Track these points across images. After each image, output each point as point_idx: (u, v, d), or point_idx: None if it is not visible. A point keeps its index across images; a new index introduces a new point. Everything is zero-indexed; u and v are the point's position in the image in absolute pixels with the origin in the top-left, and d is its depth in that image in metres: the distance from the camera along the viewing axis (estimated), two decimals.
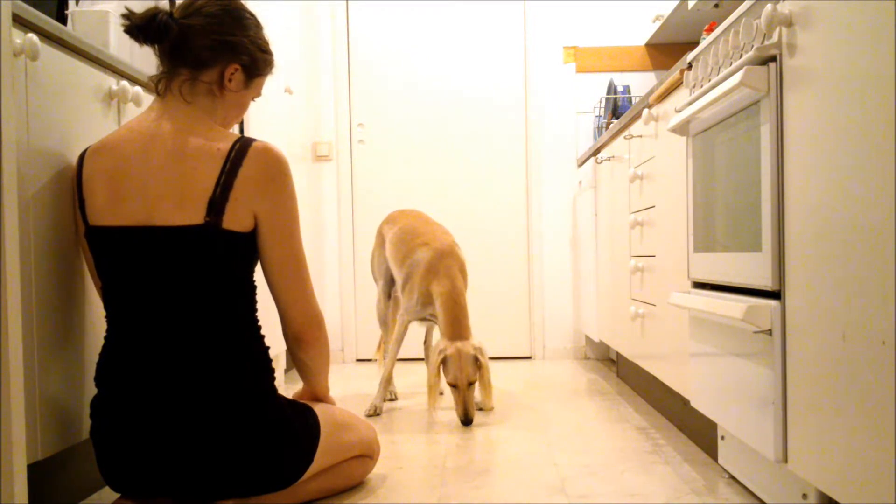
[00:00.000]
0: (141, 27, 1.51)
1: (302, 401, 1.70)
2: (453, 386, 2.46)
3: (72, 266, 1.57)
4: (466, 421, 2.44)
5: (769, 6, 1.37)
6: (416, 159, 4.13)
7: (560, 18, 4.06)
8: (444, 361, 2.46)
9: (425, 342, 3.16)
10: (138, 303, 1.48)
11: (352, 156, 4.13)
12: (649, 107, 2.38)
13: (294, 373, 3.76)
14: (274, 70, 1.71)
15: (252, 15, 1.64)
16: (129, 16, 1.52)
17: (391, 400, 2.94)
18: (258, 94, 1.70)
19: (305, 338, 1.65)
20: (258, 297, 1.60)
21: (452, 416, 2.61)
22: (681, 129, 1.94)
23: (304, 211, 3.05)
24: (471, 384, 2.46)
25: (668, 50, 3.97)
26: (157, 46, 1.55)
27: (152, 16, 1.51)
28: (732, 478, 1.82)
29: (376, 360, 3.03)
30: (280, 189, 1.54)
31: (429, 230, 2.74)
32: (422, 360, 3.25)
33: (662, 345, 2.29)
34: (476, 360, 2.47)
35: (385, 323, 3.02)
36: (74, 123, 1.59)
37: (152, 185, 1.47)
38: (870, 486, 1.10)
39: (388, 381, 2.75)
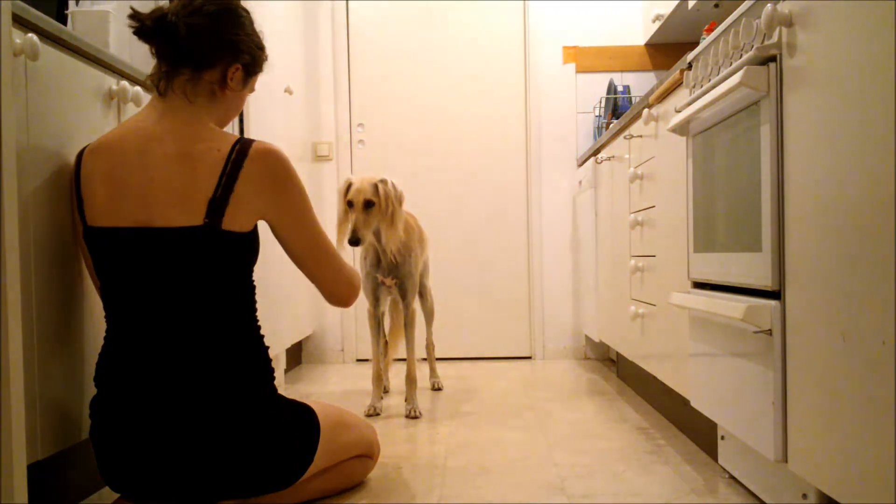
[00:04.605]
0: (152, 29, 1.51)
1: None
2: (350, 204, 2.50)
3: (72, 266, 1.57)
4: (353, 240, 2.44)
5: (769, 6, 1.37)
6: (415, 159, 4.12)
7: (560, 18, 4.05)
8: (347, 187, 2.54)
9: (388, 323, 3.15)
10: (137, 303, 1.48)
11: (352, 156, 4.13)
12: (649, 107, 2.38)
13: (294, 373, 3.76)
14: (267, 67, 1.72)
15: (247, 11, 1.63)
16: (137, 17, 1.51)
17: (384, 392, 2.95)
18: (252, 90, 1.71)
19: (347, 302, 1.75)
20: (258, 297, 1.60)
21: (452, 417, 2.61)
22: (681, 129, 1.94)
23: None
24: (368, 205, 2.48)
25: (668, 50, 3.97)
26: (157, 46, 1.55)
27: (161, 17, 1.51)
28: (732, 478, 1.82)
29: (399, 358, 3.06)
30: (286, 188, 1.55)
31: None
32: (424, 359, 3.26)
33: (662, 345, 2.29)
34: (376, 187, 2.51)
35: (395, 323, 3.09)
36: (74, 123, 1.59)
37: (152, 185, 1.46)
38: (870, 486, 1.10)
39: (377, 377, 2.76)
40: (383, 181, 2.53)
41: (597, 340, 3.48)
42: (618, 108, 3.75)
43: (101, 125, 1.69)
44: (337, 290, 1.71)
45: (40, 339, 1.42)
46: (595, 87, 4.03)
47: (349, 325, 4.10)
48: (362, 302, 2.84)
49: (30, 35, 1.38)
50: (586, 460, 2.03)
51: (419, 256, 2.85)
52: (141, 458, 1.46)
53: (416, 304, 2.89)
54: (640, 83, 3.95)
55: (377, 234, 2.61)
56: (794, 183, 1.34)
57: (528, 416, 2.61)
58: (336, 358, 4.11)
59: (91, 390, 1.55)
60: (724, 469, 1.85)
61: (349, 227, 2.48)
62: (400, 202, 2.57)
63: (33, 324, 1.40)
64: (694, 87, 1.90)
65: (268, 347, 1.59)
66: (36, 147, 1.44)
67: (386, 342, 3.10)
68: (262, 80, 1.72)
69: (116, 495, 1.58)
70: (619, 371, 3.37)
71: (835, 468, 1.20)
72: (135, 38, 1.55)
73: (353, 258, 3.99)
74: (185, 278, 1.46)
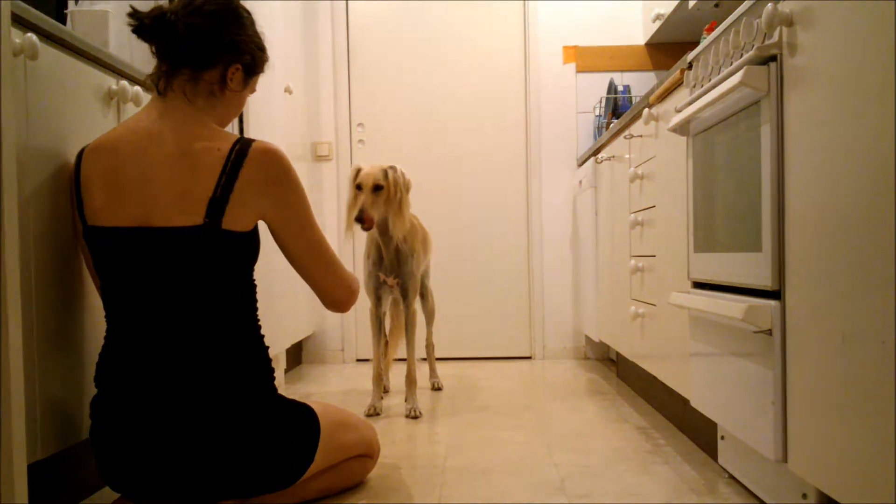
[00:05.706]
0: (151, 27, 1.51)
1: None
2: (359, 188, 2.55)
3: (72, 266, 1.57)
4: (359, 218, 2.48)
5: (770, 6, 1.37)
6: (416, 159, 4.12)
7: (560, 18, 4.05)
8: (357, 172, 2.59)
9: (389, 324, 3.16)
10: (137, 303, 1.48)
11: (352, 156, 4.13)
12: (649, 106, 2.38)
13: (294, 373, 3.76)
14: (268, 68, 1.71)
15: (248, 12, 1.63)
16: (136, 15, 1.51)
17: (384, 392, 2.95)
18: (253, 91, 1.70)
19: (345, 306, 1.75)
20: (258, 297, 1.60)
21: (452, 417, 2.61)
22: (681, 128, 1.94)
23: None
24: (377, 188, 2.53)
25: (668, 50, 3.97)
26: (157, 45, 1.55)
27: (160, 15, 1.51)
28: (732, 478, 1.82)
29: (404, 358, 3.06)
30: (286, 188, 1.55)
31: None
32: (424, 359, 3.26)
33: (662, 345, 2.29)
34: (385, 172, 2.56)
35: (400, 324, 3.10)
36: (74, 123, 1.59)
37: (151, 185, 1.46)
38: (870, 486, 1.10)
39: (378, 377, 2.76)
40: (392, 168, 2.58)
41: (597, 340, 3.48)
42: (618, 108, 3.75)
43: (101, 125, 1.69)
44: (335, 293, 1.70)
45: (40, 339, 1.43)
46: (595, 87, 4.03)
47: (349, 325, 4.10)
48: (362, 302, 2.85)
49: (29, 35, 1.38)
50: (586, 460, 2.03)
51: (422, 257, 2.86)
52: (141, 458, 1.46)
53: (417, 305, 2.89)
54: (640, 83, 3.95)
55: (383, 225, 2.61)
56: (794, 183, 1.34)
57: (528, 416, 2.61)
58: (336, 358, 4.11)
59: (91, 390, 1.55)
60: (724, 469, 1.85)
61: (357, 208, 2.52)
62: (407, 189, 2.62)
63: (33, 324, 1.40)
64: (694, 86, 1.90)
65: (268, 347, 1.59)
66: (36, 147, 1.44)
67: (386, 342, 3.10)
68: (262, 80, 1.72)
69: (116, 495, 1.58)
70: (619, 371, 3.37)
71: (835, 468, 1.20)
72: (135, 37, 1.55)
73: (352, 261, 3.99)
74: (185, 278, 1.46)
